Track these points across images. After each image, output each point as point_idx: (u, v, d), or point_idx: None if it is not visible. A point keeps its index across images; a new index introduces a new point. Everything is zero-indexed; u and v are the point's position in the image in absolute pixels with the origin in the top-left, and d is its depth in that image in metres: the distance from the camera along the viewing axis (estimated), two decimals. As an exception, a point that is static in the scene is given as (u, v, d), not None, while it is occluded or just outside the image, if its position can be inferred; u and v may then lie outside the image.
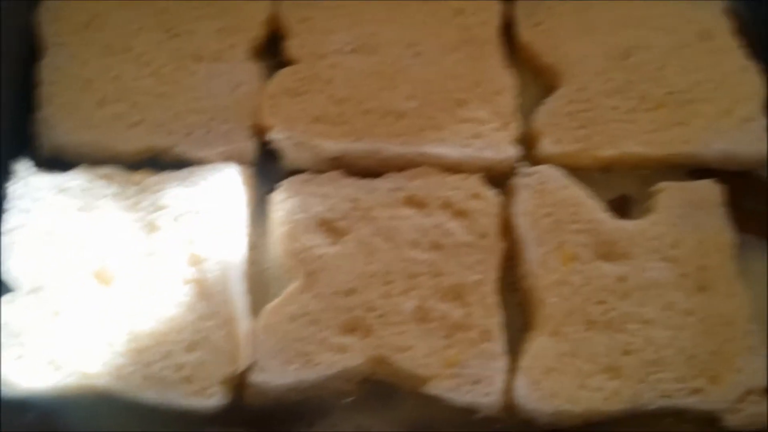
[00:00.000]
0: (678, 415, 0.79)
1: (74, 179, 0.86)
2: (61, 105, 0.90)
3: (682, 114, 0.92)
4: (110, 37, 0.95)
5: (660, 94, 0.93)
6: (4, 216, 0.84)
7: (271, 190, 0.89)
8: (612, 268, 0.83)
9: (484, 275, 0.83)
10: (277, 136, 0.89)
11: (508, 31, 0.98)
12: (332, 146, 0.89)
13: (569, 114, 0.92)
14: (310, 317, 0.81)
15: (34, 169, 0.86)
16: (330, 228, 0.86)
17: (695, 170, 0.93)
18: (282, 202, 0.86)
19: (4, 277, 0.81)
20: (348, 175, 0.89)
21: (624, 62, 0.95)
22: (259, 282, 0.87)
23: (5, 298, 0.80)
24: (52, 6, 0.95)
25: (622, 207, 0.91)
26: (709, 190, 0.88)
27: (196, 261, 0.82)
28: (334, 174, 0.89)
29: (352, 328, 0.81)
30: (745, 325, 0.81)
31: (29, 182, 0.85)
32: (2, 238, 0.82)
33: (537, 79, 0.98)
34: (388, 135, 0.90)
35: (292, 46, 0.95)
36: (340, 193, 0.87)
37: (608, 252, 0.85)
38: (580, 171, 0.91)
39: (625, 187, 0.93)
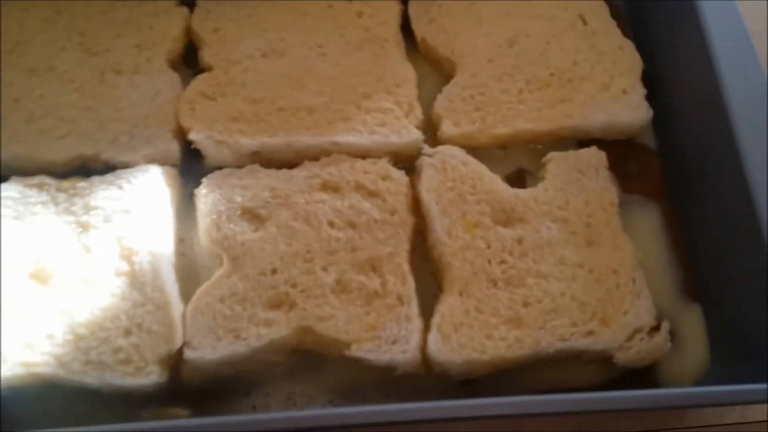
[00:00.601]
0: (575, 356, 0.88)
1: (7, 190, 0.92)
2: (-9, 124, 0.96)
3: (566, 91, 1.02)
4: (34, 59, 1.01)
5: (544, 76, 1.03)
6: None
7: (196, 187, 0.95)
8: (510, 232, 0.92)
9: (397, 247, 0.91)
10: (197, 136, 0.96)
11: (405, 30, 1.07)
12: (250, 142, 0.97)
13: (465, 99, 1.01)
14: (237, 297, 0.88)
15: (-32, 184, 0.92)
16: (252, 216, 0.93)
17: (583, 141, 1.02)
18: (206, 196, 0.93)
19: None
20: (266, 168, 0.96)
21: (510, 49, 1.05)
22: (190, 271, 0.93)
23: (-52, 302, 0.85)
24: (-25, 35, 1.02)
25: (519, 180, 1.01)
26: (593, 156, 0.98)
27: (127, 255, 0.88)
28: (253, 167, 0.96)
29: (277, 303, 0.88)
30: (630, 273, 0.91)
31: (-36, 196, 0.91)
32: (-59, 248, 0.88)
33: (435, 71, 1.07)
34: (301, 128, 0.98)
35: (206, 55, 1.03)
36: (260, 183, 0.94)
37: (506, 218, 0.93)
38: (479, 149, 1.00)
39: (520, 161, 1.02)
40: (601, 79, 1.03)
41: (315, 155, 0.97)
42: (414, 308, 0.88)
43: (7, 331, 0.84)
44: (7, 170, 0.95)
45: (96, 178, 0.93)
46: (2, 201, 0.91)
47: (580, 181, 0.96)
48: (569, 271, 0.90)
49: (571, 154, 0.98)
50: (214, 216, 0.92)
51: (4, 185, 0.92)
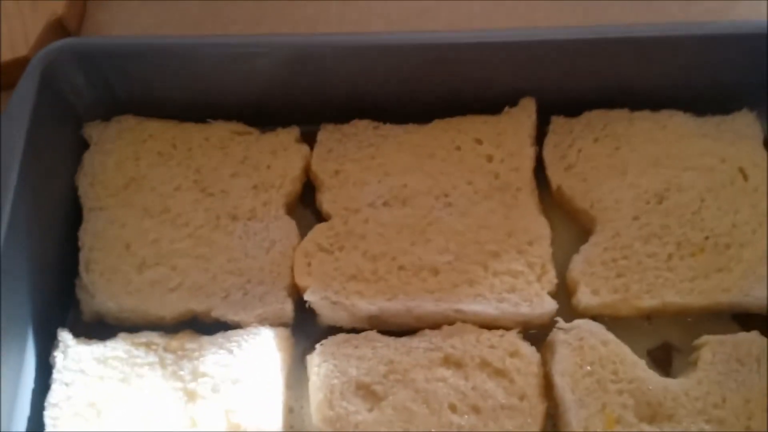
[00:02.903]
0: None
1: (114, 349, 0.88)
2: (102, 270, 0.92)
3: (722, 259, 0.90)
4: (148, 198, 0.96)
5: (698, 239, 0.91)
6: (50, 390, 0.85)
7: (308, 347, 0.89)
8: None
9: (526, 440, 0.82)
10: (312, 297, 0.90)
11: (539, 175, 0.98)
12: (367, 306, 0.89)
13: (606, 262, 0.91)
14: (349, 492, 0.80)
15: (75, 339, 0.88)
16: (367, 392, 0.85)
17: (740, 315, 0.91)
18: (319, 366, 0.86)
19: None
20: (384, 334, 0.89)
21: (659, 206, 0.94)
22: (298, 446, 0.87)
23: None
24: (90, 170, 0.98)
25: (664, 356, 0.90)
26: (754, 343, 0.86)
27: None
28: (370, 334, 0.89)
29: (392, 503, 0.80)
30: (798, 491, 0.78)
31: (70, 353, 0.87)
32: (47, 412, 0.84)
33: (570, 222, 0.97)
34: (422, 292, 0.90)
35: (326, 201, 0.96)
36: (377, 354, 0.87)
37: (652, 414, 0.83)
38: (619, 319, 0.90)
39: (667, 334, 0.91)
40: (764, 247, 0.90)
41: (437, 321, 0.89)
42: None
43: None
44: (113, 321, 0.92)
45: (205, 339, 0.88)
46: (109, 361, 0.87)
47: (739, 373, 0.84)
48: (726, 487, 0.79)
49: (729, 341, 0.86)
50: (327, 391, 0.85)
51: (110, 343, 0.88)
